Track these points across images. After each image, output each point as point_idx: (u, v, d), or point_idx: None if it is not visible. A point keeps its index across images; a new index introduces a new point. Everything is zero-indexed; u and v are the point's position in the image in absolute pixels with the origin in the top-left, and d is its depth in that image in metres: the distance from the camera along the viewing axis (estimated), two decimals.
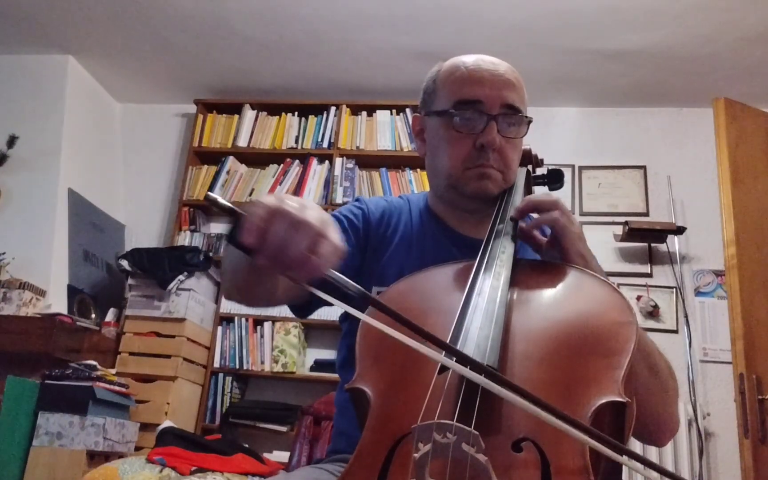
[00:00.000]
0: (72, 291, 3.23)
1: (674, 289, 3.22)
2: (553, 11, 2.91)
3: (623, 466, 0.74)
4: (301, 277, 0.68)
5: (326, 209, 3.40)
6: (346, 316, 1.10)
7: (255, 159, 3.68)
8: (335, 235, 0.71)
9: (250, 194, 3.55)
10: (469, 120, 1.05)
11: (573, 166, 3.49)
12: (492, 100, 1.05)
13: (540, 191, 1.22)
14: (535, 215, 1.00)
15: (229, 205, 0.67)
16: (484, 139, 1.04)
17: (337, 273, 0.69)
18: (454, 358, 0.66)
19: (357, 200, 1.20)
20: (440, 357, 0.65)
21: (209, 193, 0.69)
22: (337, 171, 3.49)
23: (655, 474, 0.62)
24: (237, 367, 3.25)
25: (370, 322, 0.67)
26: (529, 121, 1.09)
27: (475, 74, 1.07)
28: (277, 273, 0.69)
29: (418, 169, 3.46)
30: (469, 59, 1.10)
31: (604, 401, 0.68)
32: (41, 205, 3.31)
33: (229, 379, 3.24)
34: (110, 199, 3.72)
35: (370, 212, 1.16)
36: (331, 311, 1.36)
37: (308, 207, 0.70)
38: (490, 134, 1.04)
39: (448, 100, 1.08)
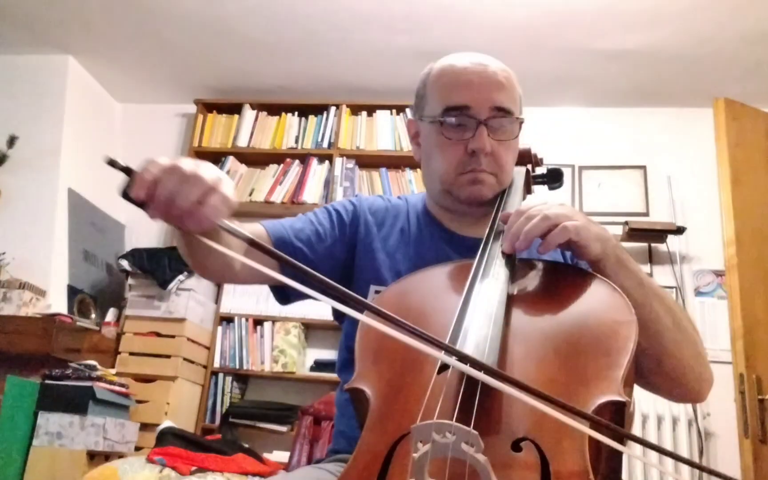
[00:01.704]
0: (72, 291, 3.23)
1: (674, 289, 3.22)
2: (553, 11, 2.91)
3: (622, 467, 0.75)
4: (192, 227, 0.72)
5: None
6: (342, 316, 1.10)
7: (255, 159, 3.67)
8: (227, 189, 0.74)
9: (250, 194, 3.55)
10: (459, 126, 1.05)
11: (573, 166, 3.49)
12: (480, 104, 1.04)
13: (539, 190, 1.23)
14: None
15: (126, 165, 0.71)
16: (474, 145, 1.03)
17: (229, 223, 0.72)
18: (454, 356, 0.66)
19: (355, 196, 1.20)
20: (432, 350, 0.65)
21: (107, 155, 0.72)
22: (337, 171, 3.49)
23: (654, 456, 0.62)
24: (237, 367, 3.25)
25: (301, 289, 0.68)
26: (521, 122, 1.08)
27: (462, 78, 1.06)
28: (171, 224, 0.73)
29: (418, 169, 3.45)
30: (458, 61, 1.09)
31: (603, 400, 0.68)
32: (41, 205, 3.31)
33: (229, 379, 3.24)
34: (110, 199, 3.71)
35: (363, 210, 1.16)
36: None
37: (202, 166, 0.73)
38: (480, 140, 1.03)
39: (437, 105, 1.07)
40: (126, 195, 0.71)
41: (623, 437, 0.61)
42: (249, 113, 3.72)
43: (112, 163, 0.70)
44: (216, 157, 3.67)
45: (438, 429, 0.60)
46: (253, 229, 1.08)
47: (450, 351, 0.66)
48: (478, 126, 1.03)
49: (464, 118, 1.04)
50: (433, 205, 1.17)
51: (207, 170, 0.73)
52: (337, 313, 1.02)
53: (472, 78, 1.05)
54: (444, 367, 0.71)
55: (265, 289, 3.81)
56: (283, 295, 1.12)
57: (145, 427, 2.83)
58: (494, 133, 1.04)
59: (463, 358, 0.66)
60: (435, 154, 1.08)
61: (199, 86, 3.79)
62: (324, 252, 1.10)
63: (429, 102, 1.10)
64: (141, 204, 0.71)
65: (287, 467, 1.84)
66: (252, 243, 0.71)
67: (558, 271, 0.95)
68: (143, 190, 0.70)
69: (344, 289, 0.67)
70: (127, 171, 0.71)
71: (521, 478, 0.64)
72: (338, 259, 1.11)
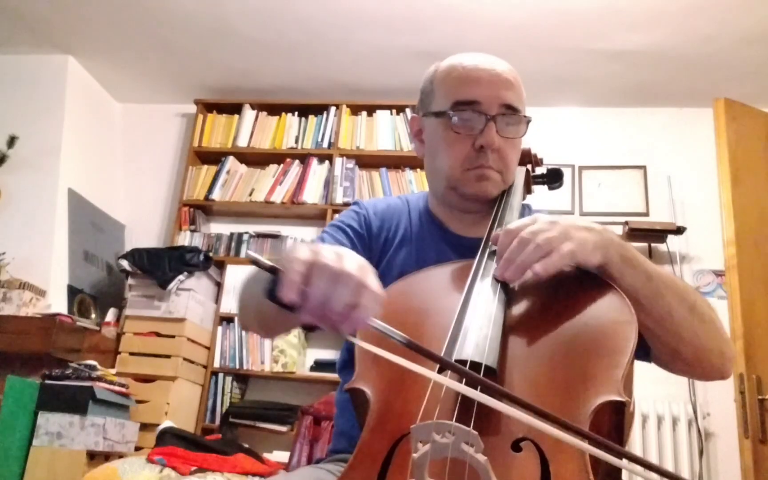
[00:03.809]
0: (72, 291, 3.23)
1: None
2: (554, 11, 2.91)
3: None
4: (345, 330, 0.67)
5: (326, 209, 3.43)
6: None
7: (255, 159, 3.67)
8: (374, 282, 0.69)
9: (250, 194, 3.55)
10: (468, 121, 1.05)
11: (573, 166, 3.49)
12: (490, 101, 1.04)
13: (539, 191, 1.23)
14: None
15: (269, 263, 0.66)
16: (483, 140, 1.03)
17: (379, 322, 0.67)
18: (450, 371, 0.65)
19: (356, 204, 1.19)
20: (434, 375, 0.65)
21: (250, 252, 0.67)
22: (337, 171, 3.48)
23: (655, 476, 0.61)
24: (237, 367, 3.25)
25: (399, 362, 0.66)
26: (528, 121, 1.08)
27: (473, 74, 1.06)
28: (319, 326, 0.68)
29: (418, 169, 3.45)
30: (466, 58, 1.09)
31: (603, 400, 0.68)
32: (41, 205, 3.31)
33: (229, 379, 3.24)
34: (110, 199, 3.72)
35: (370, 216, 1.16)
36: None
37: (345, 256, 0.68)
38: (489, 135, 1.03)
39: (445, 100, 1.07)
40: (272, 296, 0.66)
41: (622, 455, 0.60)
42: (249, 113, 3.72)
43: (256, 263, 0.66)
44: (216, 157, 3.67)
45: (438, 429, 0.60)
46: None
47: (446, 365, 0.66)
48: (487, 122, 1.03)
49: (473, 114, 1.04)
50: (435, 204, 1.17)
51: (351, 262, 0.68)
52: None
53: (481, 75, 1.06)
54: (444, 367, 0.71)
55: None
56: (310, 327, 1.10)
57: (145, 427, 2.83)
58: (502, 130, 1.05)
59: (460, 372, 0.66)
60: (441, 150, 1.08)
61: (199, 86, 3.79)
62: None
63: (436, 97, 1.10)
64: (289, 307, 0.65)
65: (287, 467, 1.83)
66: (410, 345, 0.66)
67: (557, 272, 0.94)
68: (294, 294, 0.65)
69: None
70: (272, 270, 0.66)
71: (521, 478, 0.64)
72: None
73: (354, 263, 0.68)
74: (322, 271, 0.65)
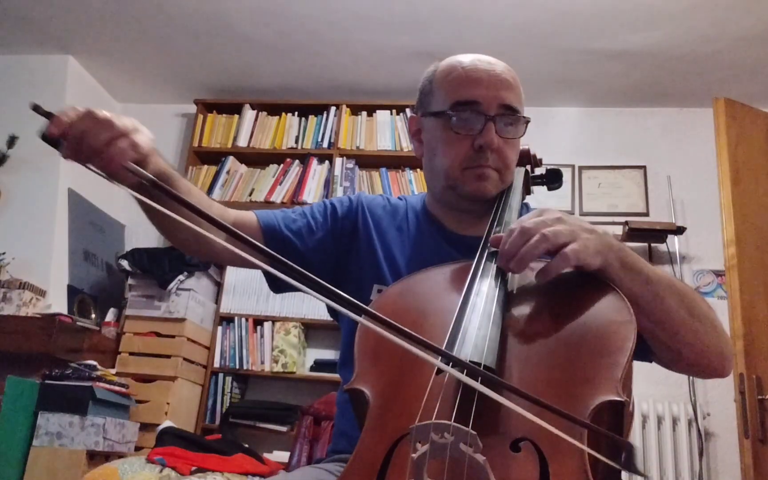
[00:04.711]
0: (72, 291, 3.23)
1: None
2: (554, 11, 2.91)
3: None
4: (99, 167, 0.78)
5: None
6: (338, 313, 1.09)
7: (255, 159, 3.67)
8: (139, 137, 0.80)
9: (250, 194, 3.55)
10: (467, 121, 1.05)
11: (573, 166, 3.49)
12: (489, 101, 1.04)
13: (538, 191, 1.23)
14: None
15: (48, 110, 0.78)
16: (482, 140, 1.03)
17: (136, 166, 0.77)
18: (451, 363, 0.66)
19: (356, 195, 1.21)
20: (428, 356, 0.65)
21: (33, 102, 0.79)
22: (337, 171, 3.49)
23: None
24: (237, 367, 3.25)
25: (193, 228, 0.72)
26: (527, 121, 1.09)
27: (473, 74, 1.06)
28: (82, 164, 0.78)
29: (418, 169, 3.45)
30: (465, 59, 1.09)
31: (602, 400, 0.68)
32: (41, 205, 3.31)
33: (229, 379, 3.24)
34: (110, 199, 3.72)
35: (362, 206, 1.17)
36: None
37: (122, 117, 0.79)
38: (488, 135, 1.03)
39: (445, 101, 1.07)
40: (45, 137, 0.78)
41: (621, 445, 0.60)
42: (249, 113, 3.72)
43: (36, 109, 0.77)
44: (216, 157, 3.67)
45: (436, 429, 0.60)
46: (244, 215, 1.09)
47: (447, 357, 0.66)
48: (487, 122, 1.04)
49: (472, 114, 1.04)
50: (433, 204, 1.17)
51: (122, 119, 0.79)
52: (332, 310, 1.02)
53: (481, 75, 1.06)
54: (443, 361, 0.71)
55: (265, 289, 3.74)
56: (275, 282, 1.09)
57: (145, 427, 2.83)
58: (501, 131, 1.05)
59: (460, 364, 0.66)
60: (440, 149, 1.08)
61: (199, 86, 3.79)
62: (314, 244, 1.11)
63: (435, 97, 1.10)
64: (56, 144, 0.77)
65: (287, 467, 1.84)
66: (154, 184, 0.75)
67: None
68: (57, 129, 0.77)
69: (335, 288, 0.64)
70: (48, 115, 0.78)
71: (520, 478, 0.64)
72: (329, 252, 1.12)
73: (126, 121, 0.79)
74: (88, 116, 0.78)
